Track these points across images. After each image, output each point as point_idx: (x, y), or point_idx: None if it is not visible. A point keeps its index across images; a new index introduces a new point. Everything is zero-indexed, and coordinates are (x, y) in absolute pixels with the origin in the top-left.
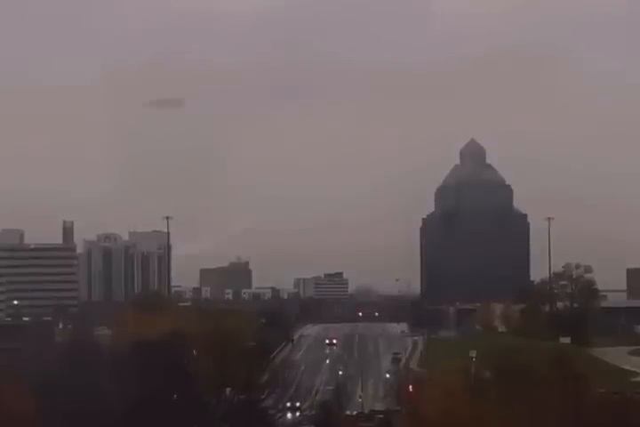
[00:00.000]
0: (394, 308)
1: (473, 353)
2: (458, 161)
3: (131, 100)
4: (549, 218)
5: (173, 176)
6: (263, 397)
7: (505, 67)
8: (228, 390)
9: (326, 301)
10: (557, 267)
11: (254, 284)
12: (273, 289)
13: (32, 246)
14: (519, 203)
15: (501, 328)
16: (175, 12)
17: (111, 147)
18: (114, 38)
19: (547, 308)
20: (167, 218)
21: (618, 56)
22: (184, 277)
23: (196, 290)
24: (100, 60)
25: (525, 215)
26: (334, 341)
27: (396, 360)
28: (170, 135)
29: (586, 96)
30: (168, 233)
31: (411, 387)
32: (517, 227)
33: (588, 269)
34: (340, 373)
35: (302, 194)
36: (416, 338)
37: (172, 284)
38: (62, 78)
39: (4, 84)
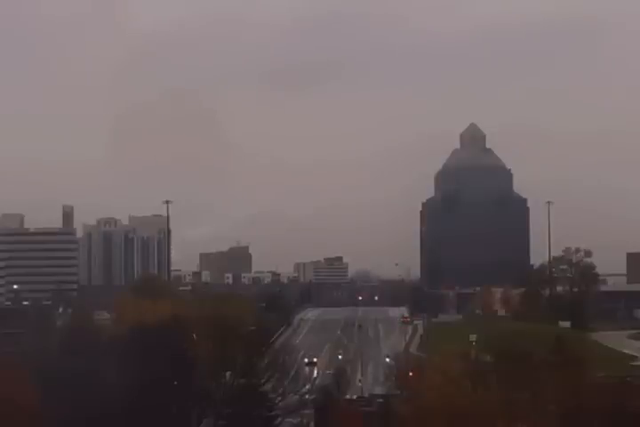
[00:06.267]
0: (394, 292)
1: (473, 337)
2: (458, 145)
3: (132, 89)
4: (549, 202)
5: (175, 161)
6: (263, 381)
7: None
8: (227, 374)
9: (326, 285)
10: (557, 251)
11: (254, 268)
12: (273, 273)
13: (32, 231)
14: (519, 187)
15: (501, 312)
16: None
17: (112, 133)
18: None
19: (546, 292)
20: (167, 202)
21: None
22: (184, 261)
23: (196, 274)
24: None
25: (525, 200)
26: (314, 359)
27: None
28: (174, 121)
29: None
30: (168, 217)
31: (411, 371)
32: (517, 211)
33: (588, 254)
34: (340, 357)
35: (303, 179)
36: (416, 322)
37: (172, 268)
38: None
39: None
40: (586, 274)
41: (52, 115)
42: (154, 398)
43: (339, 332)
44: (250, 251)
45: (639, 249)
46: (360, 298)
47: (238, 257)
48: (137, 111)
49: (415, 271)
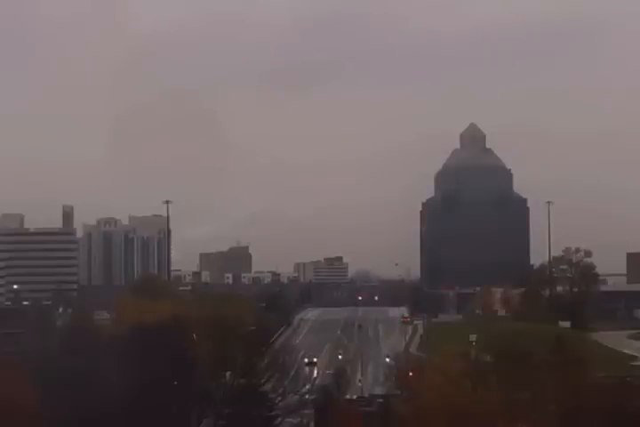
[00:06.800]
0: (394, 292)
1: (473, 337)
2: (458, 145)
3: (132, 89)
4: (549, 202)
5: (175, 161)
6: (263, 381)
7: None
8: (227, 374)
9: (326, 285)
10: (557, 251)
11: (254, 268)
12: (273, 273)
13: (32, 231)
14: (519, 187)
15: (501, 312)
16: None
17: (112, 133)
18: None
19: (546, 292)
20: (167, 202)
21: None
22: (184, 261)
23: (196, 274)
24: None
25: (525, 200)
26: (314, 359)
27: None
28: (174, 121)
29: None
30: (168, 217)
31: (411, 371)
32: (517, 211)
33: (588, 254)
34: (340, 357)
35: (303, 179)
36: (416, 322)
37: (172, 268)
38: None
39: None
40: (586, 274)
41: (52, 115)
42: (154, 398)
43: (339, 332)
44: (250, 251)
45: (639, 249)
46: (360, 298)
47: (238, 257)
48: (137, 111)
49: (415, 271)
